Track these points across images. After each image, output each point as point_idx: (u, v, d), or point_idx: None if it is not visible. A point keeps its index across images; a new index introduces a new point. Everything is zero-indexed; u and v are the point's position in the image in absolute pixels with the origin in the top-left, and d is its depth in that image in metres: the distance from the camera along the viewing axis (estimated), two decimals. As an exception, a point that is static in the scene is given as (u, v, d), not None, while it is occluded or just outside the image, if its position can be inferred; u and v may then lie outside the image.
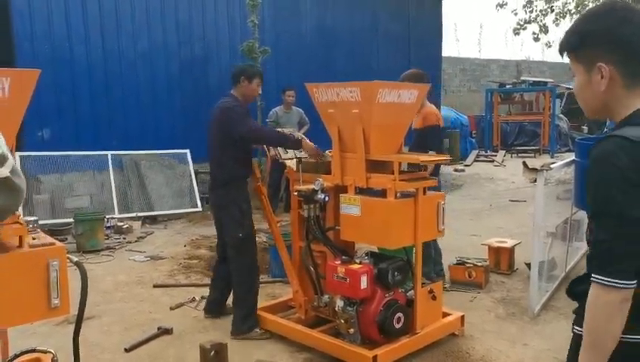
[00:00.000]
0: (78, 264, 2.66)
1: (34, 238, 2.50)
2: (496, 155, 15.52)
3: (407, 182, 3.62)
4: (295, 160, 4.20)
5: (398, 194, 3.64)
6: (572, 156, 5.71)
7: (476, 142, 16.70)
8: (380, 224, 3.56)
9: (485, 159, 15.25)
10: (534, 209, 4.42)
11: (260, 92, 4.45)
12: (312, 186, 3.84)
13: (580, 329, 1.49)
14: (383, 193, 3.70)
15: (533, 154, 15.70)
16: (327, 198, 3.81)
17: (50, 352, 3.02)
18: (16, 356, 2.88)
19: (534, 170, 4.38)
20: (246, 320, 4.14)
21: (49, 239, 2.55)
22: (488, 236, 6.63)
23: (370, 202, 3.64)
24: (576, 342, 1.52)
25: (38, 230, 2.68)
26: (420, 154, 4.06)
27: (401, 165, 3.71)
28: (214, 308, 4.53)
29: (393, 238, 3.56)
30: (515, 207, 9.23)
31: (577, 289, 1.57)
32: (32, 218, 2.65)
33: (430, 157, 4.03)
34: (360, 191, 3.81)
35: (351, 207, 3.71)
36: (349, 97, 3.69)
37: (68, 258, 2.52)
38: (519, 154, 15.99)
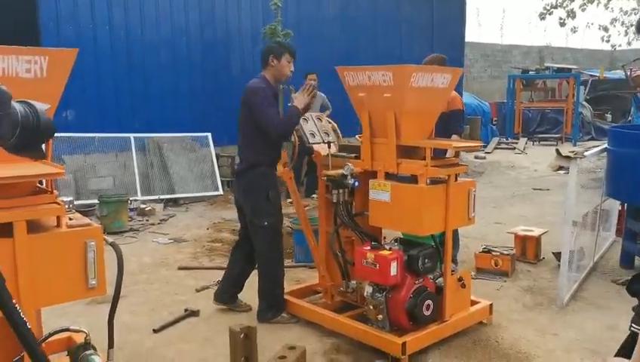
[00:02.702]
0: (113, 245, 2.67)
1: (70, 219, 2.51)
2: (517, 143, 15.32)
3: (439, 168, 3.56)
4: (324, 144, 4.16)
5: (428, 181, 3.60)
6: (594, 144, 5.60)
7: (497, 130, 16.50)
8: (411, 210, 3.51)
9: (506, 147, 15.08)
10: (566, 197, 4.33)
11: (292, 69, 4.18)
12: (341, 171, 3.81)
13: (638, 327, 1.44)
14: (411, 179, 3.67)
15: (555, 142, 15.48)
16: (357, 184, 3.77)
17: (83, 331, 3.05)
18: (50, 335, 2.92)
19: (567, 157, 4.29)
20: (271, 308, 4.10)
21: (85, 220, 2.56)
22: (512, 224, 6.57)
23: (401, 188, 3.59)
24: (634, 339, 1.47)
25: (74, 210, 2.69)
26: (453, 140, 4.00)
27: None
28: (227, 298, 4.31)
29: (424, 225, 3.51)
30: (538, 196, 9.12)
31: (637, 286, 1.51)
32: (68, 198, 2.66)
33: (463, 143, 3.97)
34: (387, 176, 3.76)
35: (381, 192, 3.67)
36: (381, 81, 3.62)
37: (103, 239, 2.53)
38: (541, 142, 15.80)
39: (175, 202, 8.45)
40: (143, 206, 7.79)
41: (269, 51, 4.13)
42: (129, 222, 7.10)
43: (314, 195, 8.38)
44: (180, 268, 5.42)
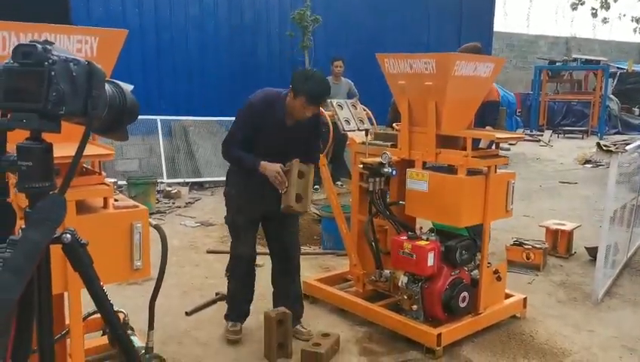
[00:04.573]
0: (157, 227, 2.67)
1: (116, 200, 2.51)
2: (542, 135, 15.09)
3: (479, 159, 3.50)
4: (360, 131, 4.11)
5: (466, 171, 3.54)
6: (622, 138, 5.45)
7: (522, 121, 16.27)
8: (450, 201, 3.46)
9: (531, 139, 14.85)
10: (607, 192, 4.24)
11: (309, 115, 3.33)
12: (378, 159, 3.77)
13: None
14: (446, 169, 3.62)
15: (580, 135, 15.24)
16: (395, 173, 3.72)
17: (121, 312, 3.08)
18: (90, 314, 2.94)
19: (609, 151, 4.19)
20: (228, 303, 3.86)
21: (131, 201, 2.56)
22: (540, 217, 6.48)
23: (440, 178, 3.54)
24: None
25: (118, 192, 2.69)
26: (496, 131, 3.93)
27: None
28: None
29: (463, 216, 3.46)
30: (566, 189, 8.98)
31: None
32: (113, 180, 2.66)
33: (506, 134, 3.90)
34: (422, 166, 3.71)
35: (418, 182, 3.62)
36: (422, 69, 3.56)
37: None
38: (566, 135, 15.54)
39: (200, 186, 8.47)
40: (169, 188, 7.83)
41: (292, 81, 3.34)
42: (156, 204, 7.14)
43: (338, 182, 8.35)
44: (209, 252, 5.44)
